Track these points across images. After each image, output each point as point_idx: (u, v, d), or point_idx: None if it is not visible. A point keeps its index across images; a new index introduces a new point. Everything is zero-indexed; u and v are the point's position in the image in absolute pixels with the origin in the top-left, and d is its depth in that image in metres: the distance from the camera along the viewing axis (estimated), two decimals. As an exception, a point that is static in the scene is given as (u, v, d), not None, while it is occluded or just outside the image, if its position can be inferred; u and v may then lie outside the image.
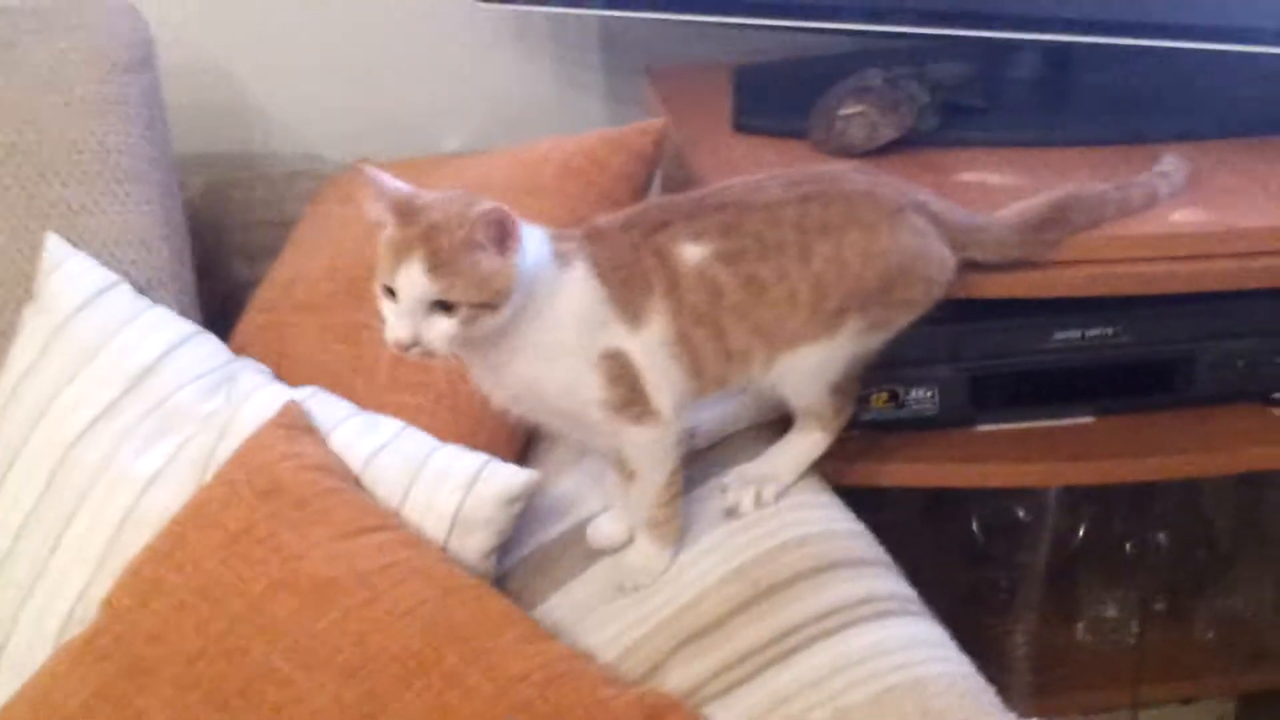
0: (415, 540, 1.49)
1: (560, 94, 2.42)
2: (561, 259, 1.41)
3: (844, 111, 1.82)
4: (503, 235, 1.31)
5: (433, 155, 2.19)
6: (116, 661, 1.41)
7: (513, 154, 1.85)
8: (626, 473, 1.53)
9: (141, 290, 1.78)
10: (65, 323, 1.67)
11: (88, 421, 1.62)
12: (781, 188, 1.49)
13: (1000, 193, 1.73)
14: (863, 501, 1.60)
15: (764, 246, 1.45)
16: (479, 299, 1.31)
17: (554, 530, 1.65)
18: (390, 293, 1.33)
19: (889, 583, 1.45)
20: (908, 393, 1.71)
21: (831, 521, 1.52)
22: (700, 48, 2.29)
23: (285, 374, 1.77)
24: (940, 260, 1.53)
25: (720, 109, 1.98)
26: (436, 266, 1.29)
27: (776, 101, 1.99)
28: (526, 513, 1.61)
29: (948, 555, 2.15)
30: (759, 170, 1.74)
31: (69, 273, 1.71)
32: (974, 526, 2.10)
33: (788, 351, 1.48)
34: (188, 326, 1.73)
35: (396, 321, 1.33)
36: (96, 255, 1.77)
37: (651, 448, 1.48)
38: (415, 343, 1.33)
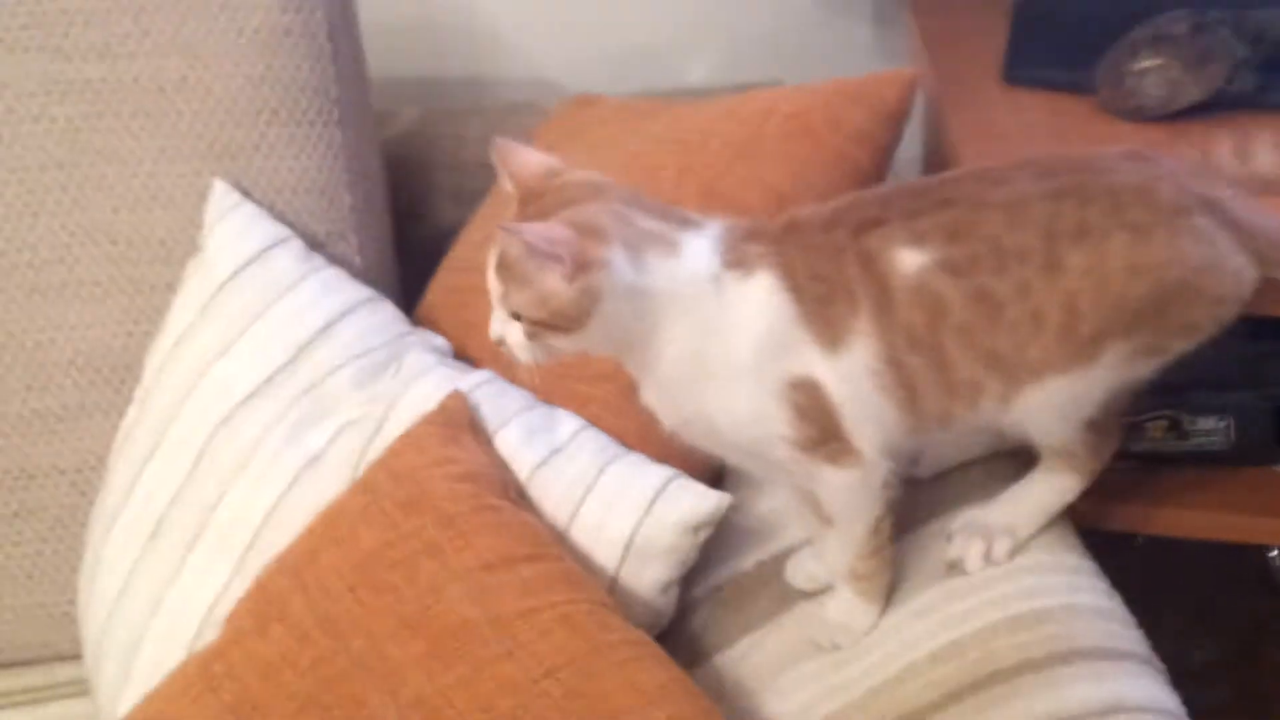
0: (575, 576, 1.27)
1: (820, 26, 2.12)
2: (740, 266, 1.17)
3: (1139, 65, 1.50)
4: (558, 257, 1.09)
5: (660, 94, 1.94)
6: (227, 695, 1.25)
7: (737, 103, 1.59)
8: (822, 516, 1.27)
9: (319, 244, 1.60)
10: (224, 284, 1.51)
11: (239, 399, 1.46)
12: (1031, 179, 1.20)
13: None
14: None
15: (1001, 255, 1.17)
16: (538, 315, 1.12)
17: (751, 559, 1.43)
18: None
19: (1145, 687, 1.16)
20: (1194, 421, 1.40)
21: (1078, 592, 1.24)
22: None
23: (468, 348, 1.57)
24: (1235, 275, 1.20)
25: (992, 53, 1.66)
26: (500, 265, 1.13)
27: (1059, 46, 1.65)
28: (720, 535, 1.38)
29: (1239, 584, 1.82)
30: (1026, 137, 1.46)
31: (234, 225, 1.54)
32: (1273, 554, 1.76)
33: (1031, 385, 1.19)
34: (359, 292, 1.54)
35: (494, 315, 1.17)
36: (269, 204, 1.59)
37: (851, 494, 1.23)
38: (500, 342, 1.17)
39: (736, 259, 1.16)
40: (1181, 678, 1.22)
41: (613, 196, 1.15)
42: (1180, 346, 1.22)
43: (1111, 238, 1.16)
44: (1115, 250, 1.16)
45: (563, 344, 1.14)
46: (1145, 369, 1.23)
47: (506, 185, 1.20)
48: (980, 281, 1.16)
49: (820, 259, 1.18)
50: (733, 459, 1.29)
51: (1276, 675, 1.80)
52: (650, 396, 1.23)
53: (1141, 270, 1.16)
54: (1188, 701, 1.20)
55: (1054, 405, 1.21)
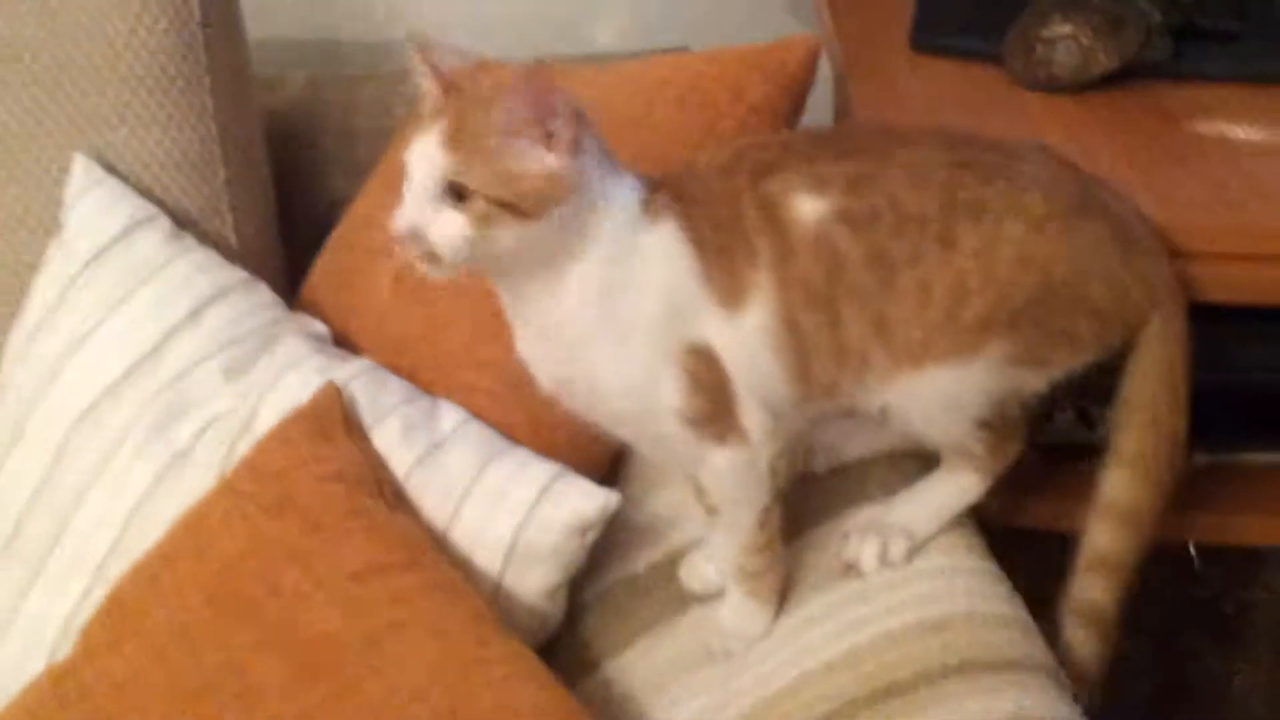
0: (450, 584, 1.20)
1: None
2: (649, 210, 1.10)
3: (1049, 32, 1.42)
4: (545, 115, 1.01)
5: (564, 59, 1.84)
6: (77, 714, 1.17)
7: (633, 73, 1.50)
8: (708, 505, 1.20)
9: (191, 221, 1.51)
10: (85, 266, 1.41)
11: (99, 392, 1.37)
12: (937, 145, 1.14)
13: (1250, 151, 1.31)
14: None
15: (900, 216, 1.10)
16: (502, 194, 1.01)
17: (642, 560, 1.36)
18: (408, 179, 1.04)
19: (1046, 700, 1.10)
20: (1103, 411, 1.32)
21: (978, 598, 1.17)
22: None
23: (350, 332, 1.49)
24: (1122, 293, 1.16)
25: (900, 19, 1.58)
26: (456, 136, 1.01)
27: (968, 13, 1.57)
28: (611, 534, 1.31)
29: (1156, 575, 1.76)
30: (934, 106, 1.40)
31: (96, 203, 1.44)
32: (1190, 547, 1.70)
33: (911, 369, 1.13)
34: (231, 274, 1.45)
35: (403, 208, 1.04)
36: (136, 179, 1.49)
37: (737, 477, 1.16)
38: (414, 233, 1.02)
39: (647, 202, 1.10)
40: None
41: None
42: (1061, 361, 1.17)
43: (1006, 222, 1.10)
44: (1008, 235, 1.10)
45: (510, 238, 1.02)
46: (1030, 380, 1.17)
47: (427, 85, 1.08)
48: (878, 239, 1.10)
49: (720, 206, 1.11)
50: (613, 431, 1.20)
51: (1198, 667, 1.75)
52: (532, 347, 1.14)
53: (1030, 261, 1.10)
54: (1109, 697, 1.17)
55: (936, 398, 1.15)
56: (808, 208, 1.10)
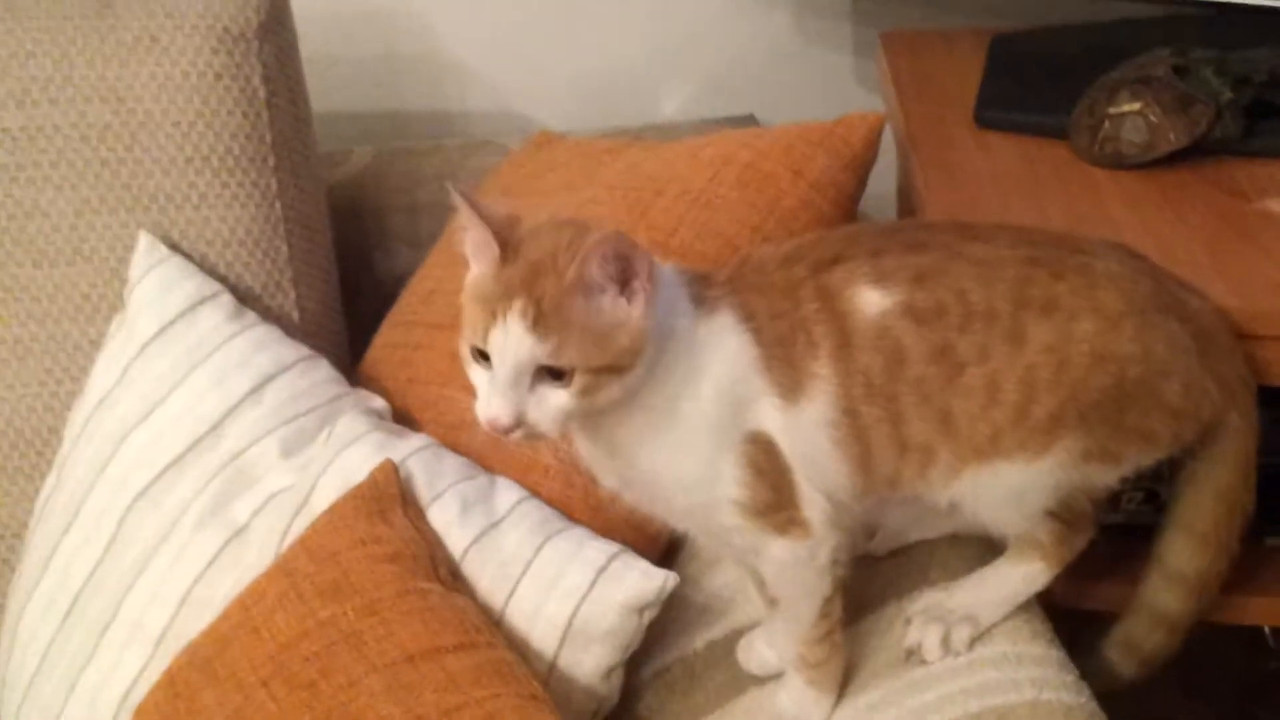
0: (505, 666, 1.18)
1: (796, 57, 2.03)
2: (702, 304, 1.08)
3: (1117, 109, 1.40)
4: (627, 272, 1.00)
5: (630, 129, 1.86)
6: (130, 799, 1.14)
7: (695, 148, 1.49)
8: (768, 596, 1.18)
9: (254, 298, 1.52)
10: (147, 344, 1.42)
11: (159, 469, 1.37)
12: (1008, 241, 1.12)
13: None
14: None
15: (967, 311, 1.08)
16: (600, 361, 1.00)
17: (701, 639, 1.34)
18: (482, 356, 1.01)
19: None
20: (1172, 492, 1.29)
21: (1044, 688, 1.14)
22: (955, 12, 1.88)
23: (409, 407, 1.49)
24: (1198, 393, 1.13)
25: (965, 94, 1.57)
26: (541, 318, 0.98)
27: (1034, 89, 1.56)
28: (668, 613, 1.29)
29: (1230, 651, 1.72)
30: (998, 182, 1.38)
31: (159, 280, 1.45)
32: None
33: (977, 465, 1.10)
34: (292, 350, 1.45)
35: (491, 396, 1.01)
36: (200, 257, 1.50)
37: (798, 570, 1.14)
38: (518, 424, 1.01)
39: (699, 296, 1.08)
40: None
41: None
42: (1135, 457, 1.15)
43: (1080, 319, 1.08)
44: (1082, 333, 1.08)
45: (612, 394, 1.01)
46: (1100, 475, 1.15)
47: (467, 241, 1.06)
48: (943, 335, 1.08)
49: (778, 295, 1.09)
50: (673, 523, 1.18)
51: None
52: (591, 453, 1.13)
53: (1105, 359, 1.08)
54: None
55: (1001, 493, 1.13)
56: (870, 300, 1.08)
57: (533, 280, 0.99)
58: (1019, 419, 1.08)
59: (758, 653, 1.26)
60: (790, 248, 1.14)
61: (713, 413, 1.08)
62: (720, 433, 1.08)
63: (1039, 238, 1.13)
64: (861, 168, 1.44)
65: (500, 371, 1.00)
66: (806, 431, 1.09)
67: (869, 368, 1.08)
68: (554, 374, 1.00)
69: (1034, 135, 1.48)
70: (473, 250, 1.06)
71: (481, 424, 1.03)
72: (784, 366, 1.08)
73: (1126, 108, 1.39)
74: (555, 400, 1.00)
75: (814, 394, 1.08)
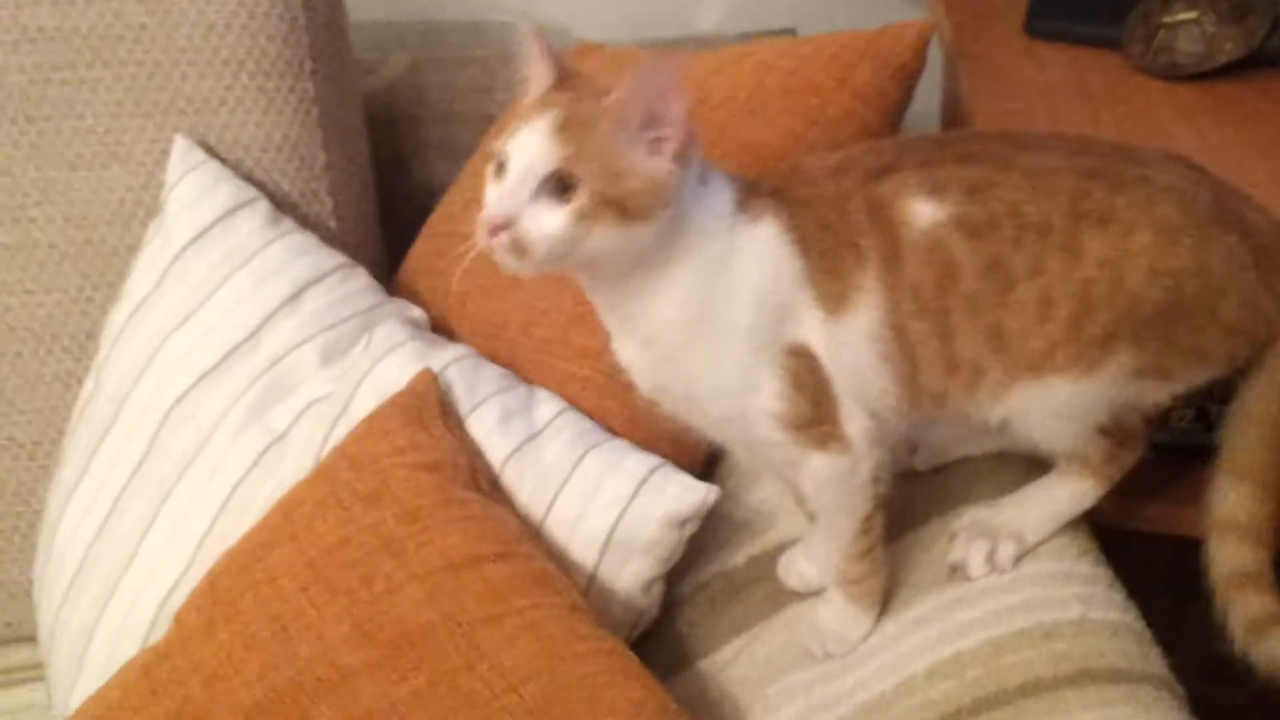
0: (546, 576, 1.17)
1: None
2: (747, 210, 1.06)
3: (1172, 18, 1.37)
4: (661, 116, 0.97)
5: (667, 42, 1.82)
6: (170, 702, 1.16)
7: (736, 57, 1.47)
8: (808, 511, 1.17)
9: (291, 205, 1.51)
10: (184, 249, 1.41)
11: (196, 376, 1.37)
12: (1063, 152, 1.08)
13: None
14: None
15: (1021, 224, 1.05)
16: (609, 190, 0.96)
17: (741, 554, 1.33)
18: (502, 169, 0.99)
19: (1163, 715, 1.04)
20: (1222, 411, 1.27)
21: (1091, 605, 1.12)
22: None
23: (448, 318, 1.48)
24: (1254, 309, 1.10)
25: (1015, 3, 1.53)
26: (567, 127, 0.96)
27: (1086, -3, 1.51)
28: (709, 528, 1.28)
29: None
30: (1048, 94, 1.35)
31: (196, 185, 1.44)
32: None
33: (1029, 380, 1.08)
34: (330, 258, 1.44)
35: (497, 196, 0.98)
36: (236, 163, 1.49)
37: (838, 485, 1.12)
38: (509, 222, 0.97)
39: (744, 202, 1.06)
40: (1207, 674, 1.12)
41: None
42: (1189, 374, 1.11)
43: (1137, 232, 1.04)
44: (1138, 246, 1.05)
45: (609, 239, 0.98)
46: (1152, 392, 1.12)
47: (539, 70, 1.03)
48: (996, 249, 1.05)
49: (826, 207, 1.06)
50: (711, 435, 1.16)
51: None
52: (629, 351, 1.10)
53: (1162, 273, 1.05)
54: (1212, 697, 1.10)
55: (1052, 409, 1.10)
56: (922, 212, 1.05)
57: (574, 98, 0.98)
58: (1073, 334, 1.05)
59: (798, 568, 1.25)
60: (840, 158, 1.11)
61: (751, 321, 1.06)
62: (758, 342, 1.06)
63: (1096, 148, 1.10)
64: (908, 77, 1.41)
65: (513, 171, 0.98)
66: (851, 346, 1.07)
67: (919, 282, 1.06)
68: (561, 189, 0.97)
69: (1086, 45, 1.45)
70: (533, 89, 1.04)
71: (478, 229, 0.99)
72: (829, 279, 1.06)
73: (1182, 16, 1.36)
74: (551, 216, 0.97)
75: (860, 307, 1.06)
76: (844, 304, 1.06)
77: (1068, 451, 1.16)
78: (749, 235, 1.05)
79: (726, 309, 1.05)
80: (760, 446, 1.12)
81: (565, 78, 1.02)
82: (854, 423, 1.09)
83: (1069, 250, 1.04)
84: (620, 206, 0.97)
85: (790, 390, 1.07)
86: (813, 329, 1.07)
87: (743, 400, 1.08)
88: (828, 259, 1.06)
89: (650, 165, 0.98)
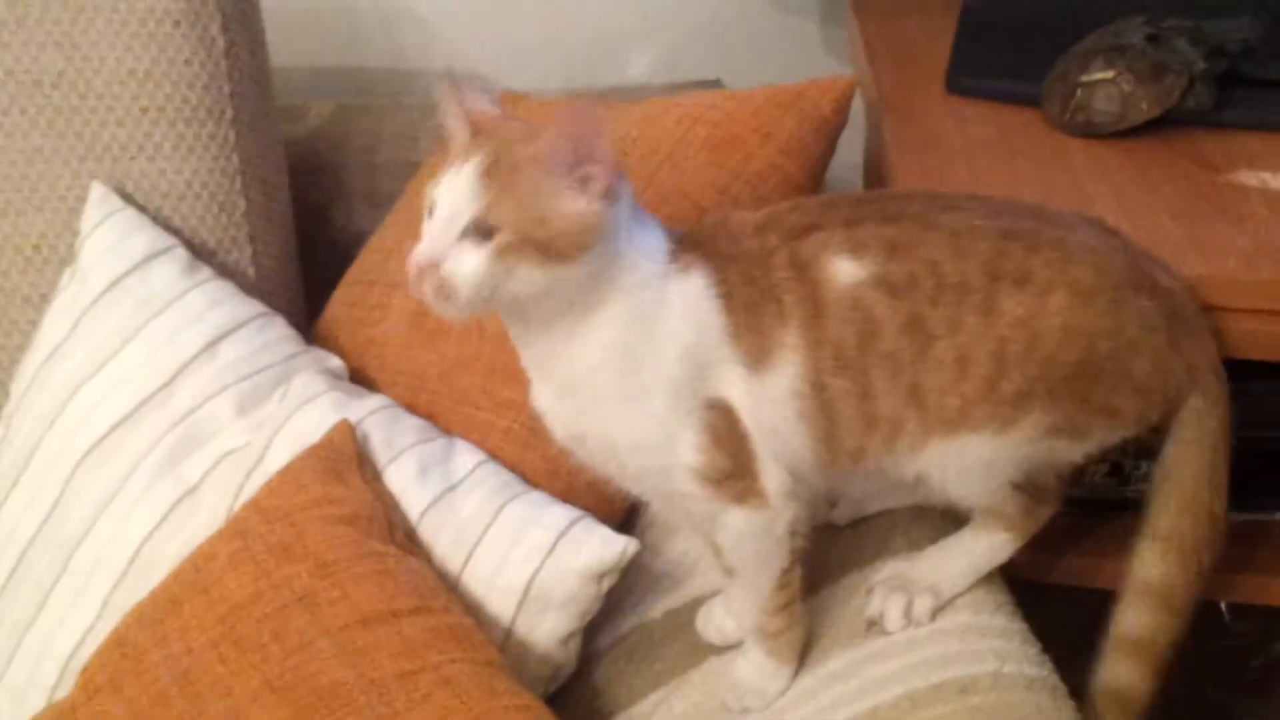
0: (461, 631, 1.16)
1: (764, 21, 2.01)
2: (678, 261, 1.06)
3: (1089, 77, 1.38)
4: (584, 164, 0.98)
5: (595, 91, 1.82)
6: (75, 759, 1.12)
7: (661, 109, 1.47)
8: (725, 566, 1.17)
9: (209, 253, 1.49)
10: (98, 297, 1.39)
11: (108, 426, 1.34)
12: (982, 213, 1.09)
13: (1295, 203, 1.28)
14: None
15: (940, 283, 1.06)
16: (531, 231, 0.97)
17: (659, 607, 1.32)
18: (430, 213, 1.01)
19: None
20: (1137, 466, 1.28)
21: (1006, 660, 1.12)
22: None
23: (367, 368, 1.46)
24: (1165, 371, 1.11)
25: (936, 60, 1.54)
26: (490, 172, 0.97)
27: (1006, 55, 1.53)
28: (627, 580, 1.28)
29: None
30: (969, 150, 1.36)
31: (112, 232, 1.42)
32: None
33: (945, 436, 1.08)
34: (247, 307, 1.42)
35: (424, 239, 0.99)
36: (154, 210, 1.47)
37: (755, 540, 1.12)
38: (434, 263, 0.97)
39: (676, 253, 1.06)
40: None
41: None
42: (1101, 434, 1.13)
43: (1053, 293, 1.05)
44: (1054, 307, 1.05)
45: (533, 279, 0.98)
46: (1066, 450, 1.13)
47: (455, 126, 1.04)
48: (915, 307, 1.05)
49: (751, 263, 1.06)
50: (628, 486, 1.15)
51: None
52: (547, 398, 1.10)
53: (1076, 334, 1.06)
54: None
55: (967, 465, 1.11)
56: (844, 270, 1.06)
57: (499, 145, 0.99)
58: (989, 392, 1.06)
59: (717, 622, 1.25)
60: (765, 215, 1.11)
61: (673, 373, 1.05)
62: (678, 395, 1.06)
63: (1015, 209, 1.12)
64: (831, 132, 1.42)
65: (438, 216, 0.99)
66: (771, 402, 1.07)
67: (840, 339, 1.06)
68: (486, 232, 0.97)
69: (1006, 102, 1.46)
70: (455, 148, 1.04)
71: (408, 270, 0.99)
72: (752, 335, 1.06)
73: (1099, 76, 1.37)
74: (474, 258, 0.97)
75: (782, 364, 1.06)
76: (766, 361, 1.06)
77: (983, 506, 1.16)
78: (679, 287, 1.05)
79: (650, 359, 1.05)
80: (678, 499, 1.12)
81: (481, 132, 1.03)
82: (772, 478, 1.09)
83: (986, 309, 1.05)
84: (544, 247, 0.97)
85: (708, 444, 1.07)
86: (733, 385, 1.07)
87: (661, 453, 1.08)
88: (751, 315, 1.06)
89: (576, 205, 0.98)
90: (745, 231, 1.09)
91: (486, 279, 0.97)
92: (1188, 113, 1.38)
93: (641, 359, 1.05)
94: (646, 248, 1.05)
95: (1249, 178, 1.33)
